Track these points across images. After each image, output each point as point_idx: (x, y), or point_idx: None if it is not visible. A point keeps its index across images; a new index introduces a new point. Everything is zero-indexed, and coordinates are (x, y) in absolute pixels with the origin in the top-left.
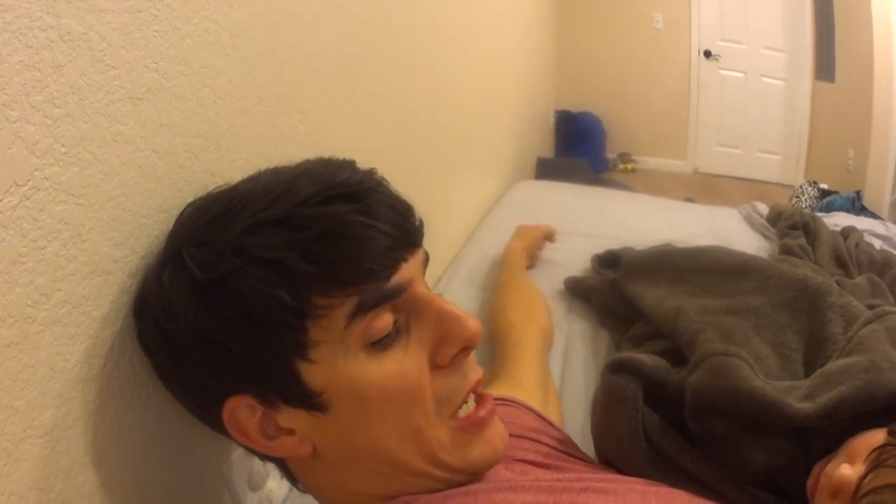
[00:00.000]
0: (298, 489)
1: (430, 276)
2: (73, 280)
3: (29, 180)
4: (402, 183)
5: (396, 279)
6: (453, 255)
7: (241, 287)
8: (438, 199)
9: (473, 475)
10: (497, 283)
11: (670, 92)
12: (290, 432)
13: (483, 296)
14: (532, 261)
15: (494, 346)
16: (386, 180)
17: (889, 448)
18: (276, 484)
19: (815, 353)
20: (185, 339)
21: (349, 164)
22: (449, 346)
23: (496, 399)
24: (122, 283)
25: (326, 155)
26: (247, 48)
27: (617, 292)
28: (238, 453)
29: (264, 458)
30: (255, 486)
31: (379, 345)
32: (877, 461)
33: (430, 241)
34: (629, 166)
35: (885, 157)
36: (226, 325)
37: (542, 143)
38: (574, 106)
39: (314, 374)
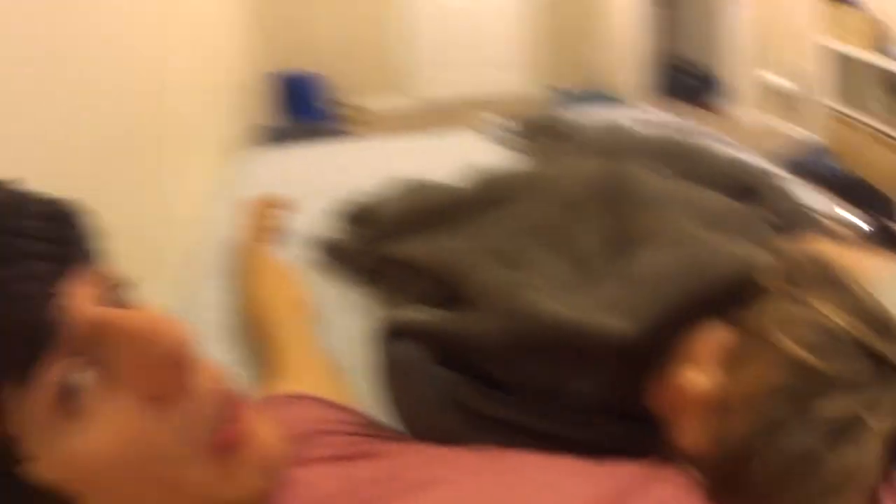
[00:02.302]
0: None
1: (168, 282)
2: None
3: None
4: (102, 188)
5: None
6: (190, 253)
7: None
8: (151, 194)
9: (260, 495)
10: (240, 270)
11: (385, 25)
12: None
13: (233, 286)
14: (269, 234)
15: (257, 337)
16: (20, 188)
17: (744, 345)
18: None
19: (612, 254)
20: None
21: None
22: (153, 372)
23: (277, 399)
24: None
25: None
26: None
27: (373, 248)
28: None
29: None
30: None
31: (71, 408)
32: (735, 362)
33: (154, 244)
34: (354, 113)
35: (628, 44)
36: None
37: (264, 111)
38: (290, 64)
39: (40, 469)
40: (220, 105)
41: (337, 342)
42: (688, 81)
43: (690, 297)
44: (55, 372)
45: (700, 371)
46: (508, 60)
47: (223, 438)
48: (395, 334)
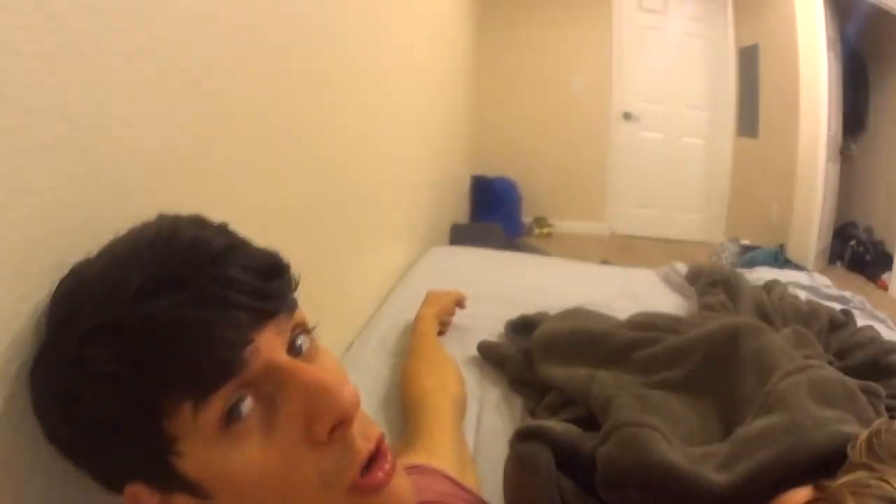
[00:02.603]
0: None
1: (341, 342)
2: None
3: None
4: (309, 246)
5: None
6: (365, 320)
7: (88, 402)
8: (348, 262)
9: None
10: (408, 350)
11: (588, 154)
12: None
13: (395, 362)
14: (443, 327)
15: (407, 413)
16: (238, 239)
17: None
18: None
19: (731, 412)
20: (65, 439)
21: (190, 230)
22: (320, 424)
23: (410, 467)
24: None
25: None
26: (159, 103)
27: (530, 361)
28: None
29: None
30: None
31: (236, 429)
32: None
33: (339, 307)
34: (545, 230)
35: (809, 207)
36: (90, 433)
37: (457, 209)
38: (490, 170)
39: (186, 465)
40: (424, 195)
41: (474, 433)
42: (858, 249)
43: (783, 461)
44: (226, 397)
45: None
46: (696, 207)
47: (367, 482)
48: (528, 436)
